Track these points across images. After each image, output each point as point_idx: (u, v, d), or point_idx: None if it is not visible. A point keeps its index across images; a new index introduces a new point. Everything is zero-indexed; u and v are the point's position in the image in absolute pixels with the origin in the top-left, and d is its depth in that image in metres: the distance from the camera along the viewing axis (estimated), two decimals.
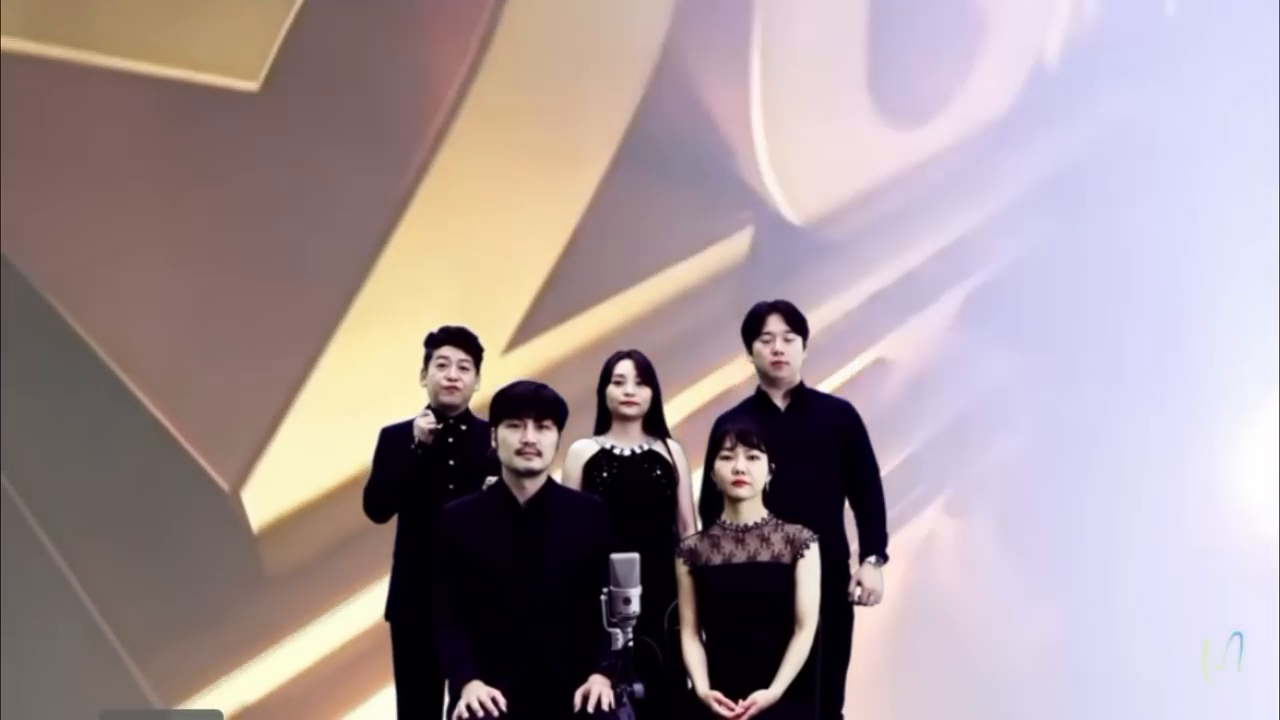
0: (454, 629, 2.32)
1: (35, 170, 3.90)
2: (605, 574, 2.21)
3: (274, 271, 4.36)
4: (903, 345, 5.08)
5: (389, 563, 3.16)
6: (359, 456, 3.64)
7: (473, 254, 4.24)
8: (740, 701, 2.37)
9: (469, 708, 2.19)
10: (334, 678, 4.15)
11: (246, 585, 4.06)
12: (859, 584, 2.74)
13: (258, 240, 4.25)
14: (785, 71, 4.98)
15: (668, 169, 5.28)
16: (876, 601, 2.77)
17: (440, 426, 2.71)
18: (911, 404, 4.97)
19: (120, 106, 3.99)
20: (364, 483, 3.06)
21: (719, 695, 2.39)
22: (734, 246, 4.98)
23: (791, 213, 5.10)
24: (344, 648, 4.14)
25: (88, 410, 4.08)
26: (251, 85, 4.08)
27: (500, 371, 3.97)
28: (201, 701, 3.91)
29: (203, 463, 4.16)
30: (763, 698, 2.37)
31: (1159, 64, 5.43)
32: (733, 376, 4.18)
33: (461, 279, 4.23)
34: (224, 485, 4.07)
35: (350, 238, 4.16)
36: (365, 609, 4.01)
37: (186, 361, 4.24)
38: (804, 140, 5.09)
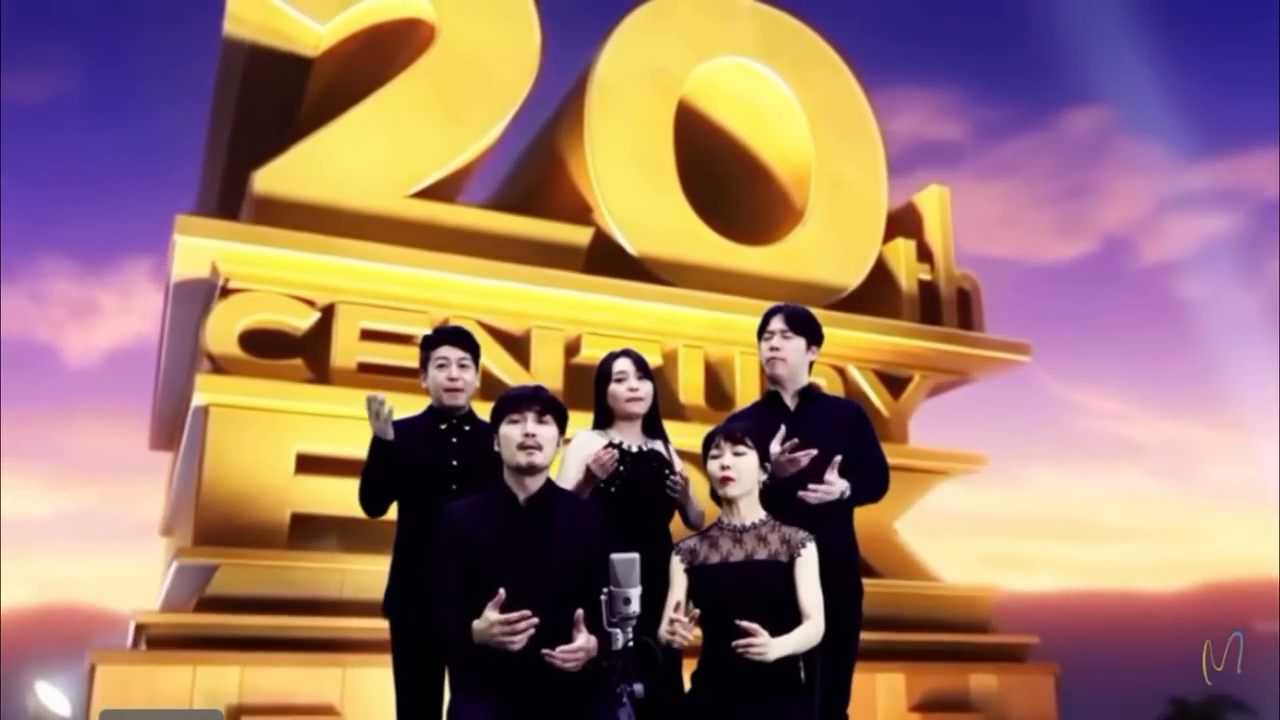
0: (451, 604, 2.29)
1: None
2: (605, 574, 2.22)
3: None
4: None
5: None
6: (359, 175, 6.43)
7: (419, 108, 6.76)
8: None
9: (505, 623, 2.18)
10: None
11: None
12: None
13: None
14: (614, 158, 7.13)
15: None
16: (826, 497, 2.70)
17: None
18: None
19: None
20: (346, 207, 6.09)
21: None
22: (577, 232, 6.85)
23: (631, 248, 6.98)
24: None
25: None
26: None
27: (400, 208, 6.35)
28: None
29: None
30: (767, 637, 2.34)
31: None
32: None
33: (405, 120, 6.69)
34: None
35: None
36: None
37: None
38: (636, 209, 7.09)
